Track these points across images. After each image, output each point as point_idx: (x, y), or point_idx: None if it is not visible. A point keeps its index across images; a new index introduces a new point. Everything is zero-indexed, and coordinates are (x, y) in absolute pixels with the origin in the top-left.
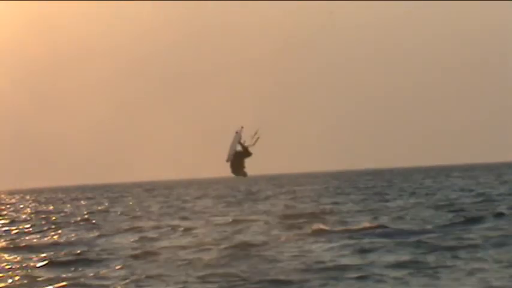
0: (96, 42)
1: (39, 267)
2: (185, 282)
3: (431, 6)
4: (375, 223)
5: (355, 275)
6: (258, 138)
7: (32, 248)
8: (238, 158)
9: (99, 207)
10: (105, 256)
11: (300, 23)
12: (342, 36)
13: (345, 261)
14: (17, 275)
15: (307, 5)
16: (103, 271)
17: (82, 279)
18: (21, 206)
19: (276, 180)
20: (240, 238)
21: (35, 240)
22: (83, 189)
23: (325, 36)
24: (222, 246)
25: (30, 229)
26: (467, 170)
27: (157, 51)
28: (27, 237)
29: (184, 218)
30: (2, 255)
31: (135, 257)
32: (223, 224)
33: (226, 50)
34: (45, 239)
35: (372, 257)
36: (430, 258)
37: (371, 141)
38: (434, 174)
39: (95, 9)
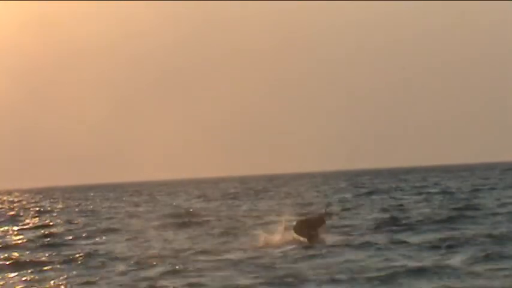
0: (95, 41)
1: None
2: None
3: (433, 6)
4: (380, 220)
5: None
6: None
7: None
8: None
9: (101, 207)
10: (109, 258)
11: (298, 21)
12: (341, 35)
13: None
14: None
15: (307, 4)
16: (108, 274)
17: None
18: (22, 205)
19: (278, 181)
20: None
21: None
22: (80, 189)
23: (323, 35)
24: (240, 247)
25: (32, 228)
26: (466, 170)
27: (156, 51)
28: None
29: (188, 217)
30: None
31: (141, 259)
32: (234, 225)
33: (226, 48)
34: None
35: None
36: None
37: (367, 140)
38: (435, 174)
39: (94, 9)
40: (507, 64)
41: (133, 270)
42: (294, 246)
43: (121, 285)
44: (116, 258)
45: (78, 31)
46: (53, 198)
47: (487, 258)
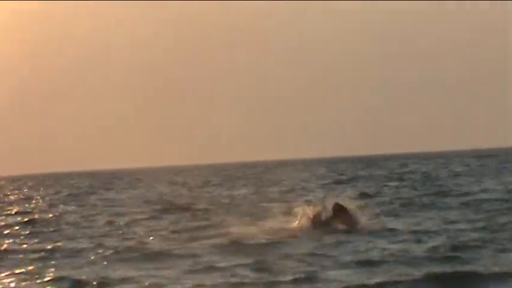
0: (94, 41)
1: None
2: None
3: (433, 5)
4: (363, 206)
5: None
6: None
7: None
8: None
9: (82, 194)
10: (91, 245)
11: (295, 20)
12: (339, 33)
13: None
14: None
15: (308, 4)
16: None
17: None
18: (3, 192)
19: (258, 168)
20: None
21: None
22: (59, 177)
23: (320, 32)
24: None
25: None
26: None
27: (155, 54)
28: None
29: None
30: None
31: (124, 246)
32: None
33: (225, 48)
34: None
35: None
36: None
37: (346, 128)
38: (413, 161)
39: (97, 10)
40: (507, 64)
41: (117, 256)
42: (279, 232)
43: (105, 271)
44: (99, 245)
45: (77, 30)
46: (32, 186)
47: (469, 241)
